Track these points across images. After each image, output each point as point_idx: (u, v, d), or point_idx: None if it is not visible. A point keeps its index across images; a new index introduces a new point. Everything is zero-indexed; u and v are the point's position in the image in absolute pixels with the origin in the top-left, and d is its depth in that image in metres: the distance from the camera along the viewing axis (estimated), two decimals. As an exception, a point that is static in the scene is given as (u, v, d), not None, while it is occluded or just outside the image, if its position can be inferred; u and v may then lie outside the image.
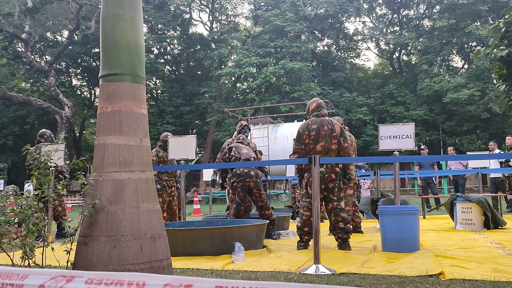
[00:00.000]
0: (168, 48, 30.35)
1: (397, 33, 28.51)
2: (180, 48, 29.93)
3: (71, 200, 19.80)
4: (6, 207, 3.00)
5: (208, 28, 30.49)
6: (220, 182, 6.48)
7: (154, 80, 29.81)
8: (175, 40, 29.44)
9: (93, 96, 30.95)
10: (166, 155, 6.99)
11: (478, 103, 22.73)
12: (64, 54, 25.93)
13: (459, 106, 23.17)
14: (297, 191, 10.14)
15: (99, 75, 3.02)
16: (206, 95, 26.62)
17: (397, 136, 5.24)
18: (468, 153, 15.08)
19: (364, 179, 13.94)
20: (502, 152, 11.12)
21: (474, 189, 19.78)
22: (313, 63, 27.51)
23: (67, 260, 2.92)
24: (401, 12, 29.67)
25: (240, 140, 6.38)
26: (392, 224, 4.57)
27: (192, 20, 30.60)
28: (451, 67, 27.61)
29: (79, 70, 30.62)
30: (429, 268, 3.48)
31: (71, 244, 2.96)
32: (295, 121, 15.89)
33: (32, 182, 3.10)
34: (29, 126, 26.54)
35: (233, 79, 25.87)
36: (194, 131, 29.58)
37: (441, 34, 25.81)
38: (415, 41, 26.69)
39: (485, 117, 22.80)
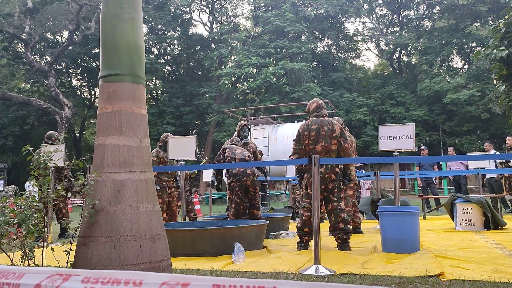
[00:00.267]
0: (168, 48, 30.37)
1: (397, 34, 28.52)
2: (180, 48, 29.94)
3: (71, 200, 19.79)
4: (6, 208, 3.00)
5: (208, 29, 30.52)
6: (215, 184, 6.50)
7: (154, 80, 29.82)
8: (175, 40, 29.46)
9: (93, 96, 30.96)
10: (166, 156, 6.99)
11: (478, 103, 22.73)
12: (64, 55, 25.93)
13: (459, 107, 23.18)
14: (297, 191, 10.14)
15: (99, 76, 3.02)
16: (206, 95, 26.63)
17: (397, 137, 5.23)
18: (468, 153, 15.09)
19: (364, 180, 13.93)
20: (497, 152, 11.15)
21: (474, 189, 19.77)
22: (313, 64, 27.52)
23: (67, 261, 2.92)
24: (401, 13, 29.68)
25: (233, 142, 6.44)
26: (392, 224, 4.56)
27: (192, 21, 30.64)
28: (451, 68, 27.62)
29: (79, 71, 30.63)
30: (429, 269, 3.47)
31: (71, 244, 2.96)
32: (295, 121, 15.88)
33: (32, 182, 3.09)
34: (29, 127, 26.55)
35: (233, 79, 25.87)
36: (194, 131, 29.58)
37: (441, 35, 25.82)
38: (415, 42, 26.70)
39: (485, 118, 22.80)
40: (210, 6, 29.81)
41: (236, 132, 7.19)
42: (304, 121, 5.70)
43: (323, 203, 5.01)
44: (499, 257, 4.07)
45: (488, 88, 22.25)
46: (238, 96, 28.06)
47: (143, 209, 2.79)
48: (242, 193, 5.98)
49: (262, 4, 28.52)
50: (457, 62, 29.42)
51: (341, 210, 4.85)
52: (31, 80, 28.33)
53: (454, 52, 27.14)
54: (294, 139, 5.17)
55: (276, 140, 14.59)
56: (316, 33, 28.41)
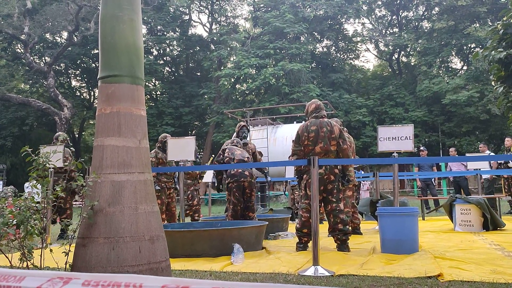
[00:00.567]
0: (168, 49, 30.37)
1: (396, 35, 28.55)
2: (179, 49, 29.93)
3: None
4: (5, 209, 3.00)
5: (207, 30, 30.52)
6: (216, 184, 6.52)
7: (153, 81, 29.81)
8: (175, 41, 29.45)
9: (92, 97, 30.94)
10: (165, 157, 6.98)
11: (477, 104, 22.76)
12: (63, 55, 25.91)
13: (458, 108, 23.20)
14: (296, 192, 10.14)
15: (98, 77, 3.03)
16: (206, 96, 26.62)
17: (396, 138, 5.24)
18: (467, 154, 15.10)
19: (364, 181, 13.94)
20: (491, 153, 11.19)
21: (474, 190, 19.78)
22: (313, 65, 27.52)
23: (66, 262, 2.92)
24: (400, 14, 29.71)
25: (234, 144, 6.44)
26: (391, 225, 4.57)
27: (192, 22, 30.63)
28: (450, 69, 27.64)
29: (78, 71, 30.61)
30: (428, 270, 3.48)
31: (70, 246, 2.96)
32: (295, 122, 15.88)
33: (31, 183, 3.09)
34: (28, 127, 26.49)
35: (232, 80, 25.87)
36: (193, 132, 29.57)
37: (440, 36, 25.86)
38: (414, 43, 26.72)
39: (484, 119, 22.82)
40: (209, 7, 29.81)
41: (235, 133, 7.20)
42: (303, 122, 5.70)
43: (322, 204, 5.01)
44: (498, 258, 4.08)
45: (487, 89, 22.28)
46: (238, 97, 28.06)
47: (142, 210, 2.79)
48: (240, 194, 6.00)
49: (261, 5, 28.53)
50: (456, 63, 29.48)
51: (340, 211, 4.86)
52: (30, 81, 28.30)
53: (453, 53, 27.17)
54: (293, 140, 5.17)
55: (275, 141, 14.59)
56: (315, 34, 28.43)
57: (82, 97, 31.18)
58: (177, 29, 29.13)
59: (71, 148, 7.90)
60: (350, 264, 3.93)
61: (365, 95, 27.30)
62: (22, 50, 25.83)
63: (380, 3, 29.29)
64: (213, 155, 23.43)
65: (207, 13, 30.44)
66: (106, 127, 2.89)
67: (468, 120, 23.78)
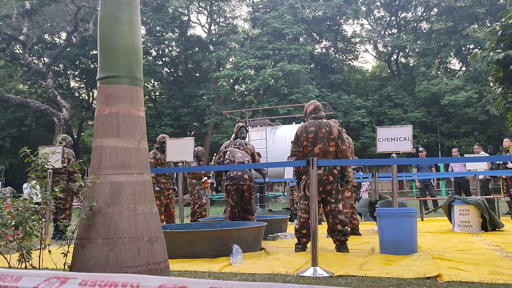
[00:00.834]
0: (166, 50, 30.36)
1: (395, 36, 28.58)
2: (178, 50, 29.93)
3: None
4: (3, 210, 2.99)
5: (206, 30, 30.53)
6: (215, 185, 6.50)
7: (152, 82, 29.79)
8: (173, 42, 29.44)
9: (91, 98, 30.91)
10: (163, 157, 6.98)
11: (476, 105, 22.78)
12: (62, 56, 25.90)
13: (457, 108, 23.23)
14: (295, 193, 10.14)
15: (97, 77, 3.02)
16: (204, 97, 26.62)
17: (395, 138, 5.24)
18: (465, 155, 15.11)
19: (363, 181, 13.95)
20: (486, 154, 11.23)
21: (472, 191, 19.80)
22: (311, 65, 27.53)
23: (64, 263, 2.92)
24: (399, 15, 29.76)
25: (236, 146, 6.41)
26: (390, 226, 4.57)
27: (190, 22, 30.64)
28: (448, 70, 27.68)
29: (77, 72, 30.59)
30: (427, 270, 3.48)
31: (68, 246, 2.95)
32: (293, 123, 15.89)
33: (29, 184, 3.09)
34: (27, 128, 26.46)
35: (231, 81, 25.86)
36: (192, 133, 29.56)
37: (439, 37, 25.89)
38: (413, 44, 26.76)
39: (483, 120, 22.85)
40: (208, 8, 29.82)
41: (234, 134, 7.19)
42: (302, 123, 5.69)
43: (321, 204, 5.01)
44: (497, 258, 4.08)
45: (486, 90, 22.30)
46: (236, 97, 28.06)
47: (141, 211, 2.79)
48: (238, 197, 5.98)
49: (260, 6, 28.55)
50: (455, 64, 29.51)
51: (339, 211, 4.86)
52: (29, 82, 28.27)
53: (452, 54, 27.21)
54: (292, 141, 5.17)
55: (274, 141, 14.60)
56: (314, 35, 28.45)
57: (80, 98, 31.16)
58: (176, 30, 29.13)
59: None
60: (349, 265, 3.93)
61: (364, 96, 27.32)
62: (20, 51, 25.81)
63: (378, 4, 29.33)
64: (215, 154, 23.45)
65: (206, 14, 30.47)
66: (105, 128, 2.88)
67: (466, 121, 23.81)
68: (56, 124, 22.57)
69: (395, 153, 5.34)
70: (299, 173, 5.07)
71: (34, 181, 3.01)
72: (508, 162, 8.99)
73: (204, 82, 27.67)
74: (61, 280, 1.21)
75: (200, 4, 29.72)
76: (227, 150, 6.23)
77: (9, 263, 3.02)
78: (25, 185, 12.15)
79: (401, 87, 26.76)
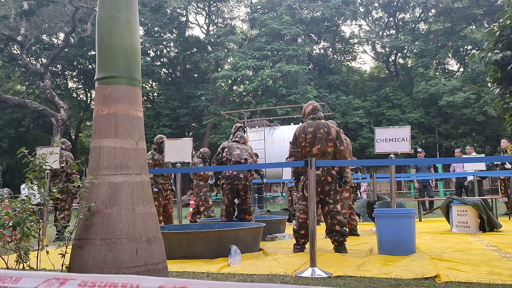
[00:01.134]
0: (165, 50, 30.35)
1: (393, 36, 28.63)
2: (176, 50, 29.91)
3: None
4: (1, 210, 2.99)
5: (204, 31, 30.51)
6: (214, 181, 6.47)
7: (151, 82, 29.77)
8: (172, 42, 29.43)
9: (89, 98, 30.87)
10: (161, 158, 6.97)
11: (474, 106, 22.84)
12: (60, 57, 25.86)
13: (455, 109, 23.27)
14: (294, 194, 10.14)
15: (95, 78, 3.02)
16: (203, 97, 26.61)
17: (393, 139, 5.24)
18: (463, 155, 15.14)
19: (361, 182, 13.96)
20: (477, 155, 11.31)
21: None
22: (310, 66, 27.55)
23: (62, 264, 2.91)
24: (397, 16, 29.81)
25: (236, 139, 6.32)
26: (388, 227, 4.57)
27: (189, 23, 30.63)
28: (446, 70, 27.74)
29: (75, 73, 30.55)
30: (425, 271, 3.48)
31: (66, 247, 2.94)
32: (292, 124, 15.90)
33: (27, 185, 3.08)
34: (25, 129, 26.42)
35: (229, 81, 25.87)
36: (190, 134, 29.54)
37: (437, 38, 25.95)
38: (411, 44, 26.81)
39: (481, 120, 22.90)
40: (206, 8, 29.82)
41: (232, 135, 7.18)
42: (300, 123, 5.69)
43: (320, 205, 5.01)
44: (495, 259, 4.09)
45: (484, 90, 22.36)
46: (235, 98, 28.06)
47: (139, 211, 2.79)
48: (233, 196, 5.96)
49: (259, 7, 28.56)
50: (453, 65, 29.59)
51: (337, 212, 4.86)
52: (27, 82, 28.22)
53: (450, 55, 27.27)
54: (290, 142, 5.17)
55: (273, 142, 14.60)
56: (313, 35, 28.48)
57: (78, 98, 31.11)
58: (174, 30, 29.12)
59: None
60: (347, 266, 3.93)
61: (362, 96, 27.35)
62: (18, 52, 25.76)
63: (377, 5, 29.37)
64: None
65: (204, 15, 30.45)
66: (103, 128, 2.88)
67: (464, 121, 23.86)
68: (54, 125, 22.52)
69: (393, 154, 5.35)
70: (297, 173, 5.06)
71: (31, 182, 3.00)
72: (506, 162, 9.01)
73: (203, 83, 27.66)
74: (61, 281, 1.21)
75: (198, 4, 29.71)
76: (225, 147, 6.18)
77: (6, 264, 3.01)
78: (22, 186, 12.13)
79: (399, 88, 26.80)
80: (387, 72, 31.11)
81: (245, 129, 10.69)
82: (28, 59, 24.63)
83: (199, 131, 28.65)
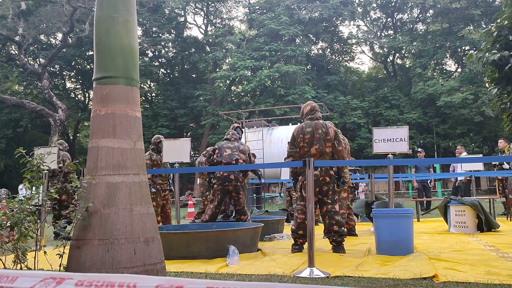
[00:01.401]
0: (163, 51, 30.34)
1: (391, 37, 28.68)
2: (174, 51, 29.90)
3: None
4: (-2, 211, 2.98)
5: (202, 31, 30.51)
6: (208, 178, 6.46)
7: (149, 83, 29.75)
8: (170, 43, 29.42)
9: (87, 99, 30.84)
10: (159, 158, 6.97)
11: (471, 106, 22.89)
12: (58, 57, 25.82)
13: (453, 110, 23.33)
14: (292, 194, 10.14)
15: (93, 78, 3.01)
16: (201, 98, 26.61)
17: (391, 139, 5.24)
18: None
19: (359, 182, 13.97)
20: (467, 155, 11.36)
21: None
22: (308, 67, 27.58)
23: (60, 264, 2.90)
24: (395, 16, 29.86)
25: (227, 137, 6.27)
26: (387, 227, 4.58)
27: (187, 23, 30.62)
28: (444, 71, 27.80)
29: (73, 73, 30.51)
30: (423, 271, 3.49)
31: (64, 247, 2.94)
32: (290, 124, 15.90)
33: (25, 185, 3.07)
34: (22, 129, 26.37)
35: (227, 82, 25.88)
36: (188, 134, 29.52)
37: (435, 38, 26.00)
38: (409, 45, 26.86)
39: (478, 120, 22.96)
40: (204, 9, 29.81)
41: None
42: (298, 123, 5.70)
43: (318, 205, 5.01)
44: (492, 259, 4.10)
45: (481, 91, 22.42)
46: (233, 98, 28.06)
47: (137, 211, 2.78)
48: (222, 197, 5.93)
49: (257, 7, 28.57)
50: (451, 65, 29.65)
51: (335, 212, 4.86)
52: (25, 83, 28.18)
53: (448, 55, 27.34)
54: (288, 142, 5.17)
55: (271, 142, 14.59)
56: (311, 36, 28.51)
57: (76, 98, 31.07)
58: (172, 30, 29.11)
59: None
60: (345, 266, 3.93)
61: (360, 97, 27.39)
62: (16, 52, 25.73)
63: (375, 5, 29.42)
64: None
65: (203, 15, 30.44)
66: (101, 129, 2.87)
67: (462, 122, 23.91)
68: (52, 125, 22.48)
69: (391, 154, 5.35)
70: (295, 174, 5.06)
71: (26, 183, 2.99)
72: (504, 163, 9.03)
73: (201, 83, 27.66)
74: (57, 280, 1.20)
75: (197, 5, 29.71)
76: (216, 148, 6.14)
77: (4, 265, 3.00)
78: (20, 186, 12.10)
79: (397, 88, 26.85)
80: (385, 72, 31.16)
81: (243, 129, 10.67)
82: (26, 59, 24.59)
83: (197, 131, 28.64)
